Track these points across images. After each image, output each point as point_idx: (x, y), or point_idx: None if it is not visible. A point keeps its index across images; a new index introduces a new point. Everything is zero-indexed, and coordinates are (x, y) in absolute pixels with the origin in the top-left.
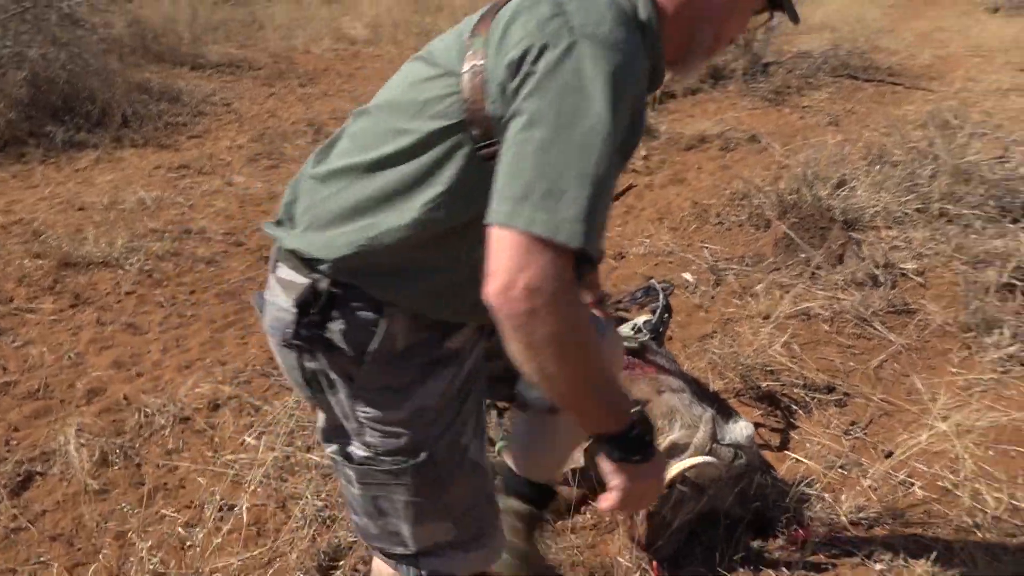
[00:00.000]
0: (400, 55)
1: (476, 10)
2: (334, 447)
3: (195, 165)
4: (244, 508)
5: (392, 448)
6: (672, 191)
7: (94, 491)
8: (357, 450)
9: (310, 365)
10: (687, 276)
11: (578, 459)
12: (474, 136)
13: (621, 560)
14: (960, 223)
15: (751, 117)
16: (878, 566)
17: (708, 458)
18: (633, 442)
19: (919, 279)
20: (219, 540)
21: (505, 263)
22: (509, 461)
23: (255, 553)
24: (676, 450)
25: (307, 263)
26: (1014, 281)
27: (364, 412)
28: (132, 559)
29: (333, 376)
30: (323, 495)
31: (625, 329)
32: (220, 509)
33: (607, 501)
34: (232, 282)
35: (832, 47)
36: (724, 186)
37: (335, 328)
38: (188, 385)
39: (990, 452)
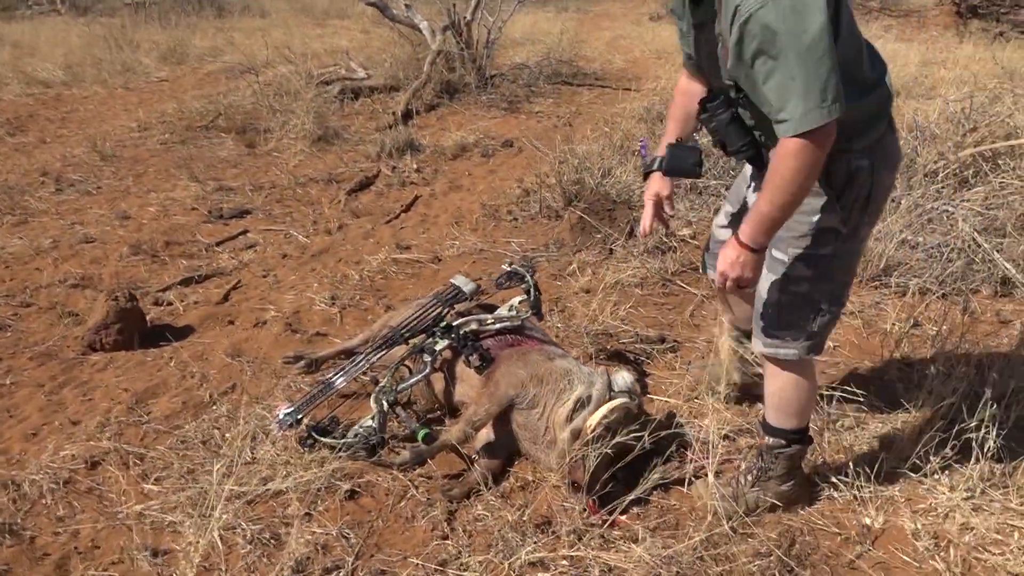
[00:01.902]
0: (110, 95)
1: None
2: None
3: None
4: (181, 549)
5: None
6: (456, 197)
7: None
8: None
9: None
10: (505, 266)
11: (488, 435)
12: None
13: (567, 505)
14: (709, 192)
15: (496, 125)
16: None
17: (621, 400)
18: None
19: (695, 241)
20: None
21: None
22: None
23: None
24: (581, 403)
25: None
26: None
27: None
28: None
29: None
30: (255, 518)
31: (503, 311)
32: (156, 556)
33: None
34: (45, 343)
35: (544, 58)
36: (500, 187)
37: None
38: (50, 450)
39: None
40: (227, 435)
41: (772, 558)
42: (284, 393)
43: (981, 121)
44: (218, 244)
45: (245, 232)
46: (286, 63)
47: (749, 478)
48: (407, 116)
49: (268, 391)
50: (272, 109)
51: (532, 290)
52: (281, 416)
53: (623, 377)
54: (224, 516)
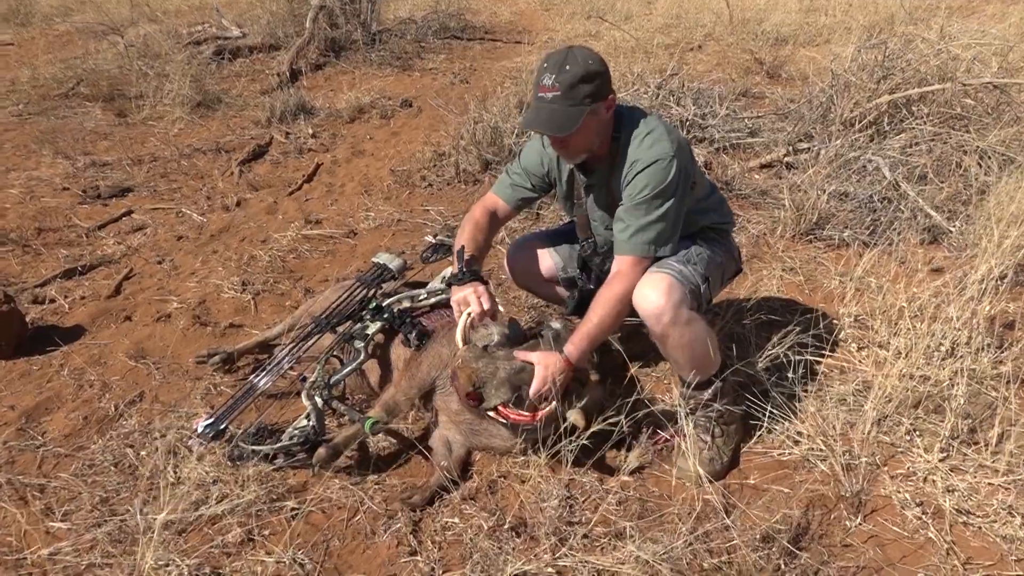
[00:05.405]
0: None
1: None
2: None
3: None
4: None
5: None
6: (361, 163)
7: None
8: None
9: None
10: (429, 238)
11: (444, 431)
12: None
13: (544, 506)
14: None
15: (390, 84)
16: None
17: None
18: None
19: None
20: None
21: None
22: None
23: None
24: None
25: None
26: None
27: None
28: None
29: None
30: (190, 551)
31: (435, 284)
32: None
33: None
34: None
35: (430, 12)
36: (408, 151)
37: None
38: None
39: None
40: (142, 453)
41: (774, 547)
42: (203, 399)
43: (894, 68)
44: (99, 228)
45: (129, 213)
46: (149, 22)
47: (717, 439)
48: (294, 77)
49: (184, 396)
50: (142, 73)
51: None
52: (201, 429)
53: (552, 323)
54: (153, 552)
